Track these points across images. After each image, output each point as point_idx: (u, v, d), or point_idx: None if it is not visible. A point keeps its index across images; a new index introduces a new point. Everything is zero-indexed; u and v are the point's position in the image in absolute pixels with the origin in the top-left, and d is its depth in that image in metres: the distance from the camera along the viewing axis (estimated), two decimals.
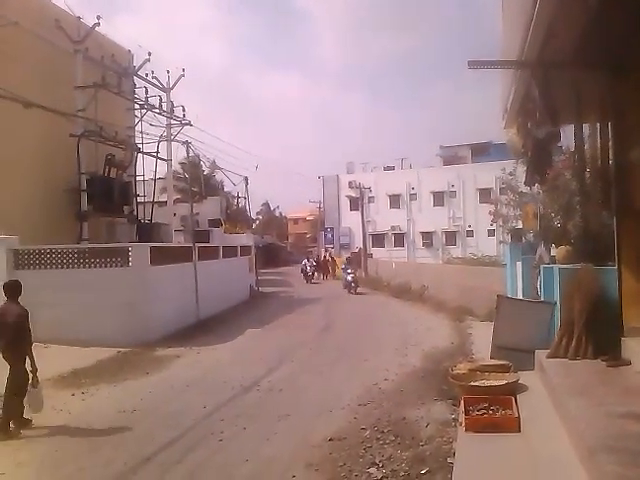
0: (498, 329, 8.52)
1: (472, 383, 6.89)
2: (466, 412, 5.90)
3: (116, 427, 7.22)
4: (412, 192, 52.44)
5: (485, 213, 24.52)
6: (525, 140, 8.24)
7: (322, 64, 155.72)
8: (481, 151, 51.05)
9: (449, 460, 5.42)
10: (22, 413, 7.11)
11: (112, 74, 20.13)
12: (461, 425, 5.84)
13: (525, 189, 14.51)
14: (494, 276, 15.17)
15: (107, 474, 5.68)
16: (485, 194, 44.55)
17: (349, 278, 26.89)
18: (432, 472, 5.32)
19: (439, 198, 51.64)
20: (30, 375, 7.03)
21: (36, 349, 12.02)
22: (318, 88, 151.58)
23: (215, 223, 32.10)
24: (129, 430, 7.09)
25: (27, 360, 7.09)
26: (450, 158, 54.25)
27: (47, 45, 17.66)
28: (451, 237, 50.97)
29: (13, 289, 7.41)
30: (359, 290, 26.71)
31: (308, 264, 35.92)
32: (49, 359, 11.60)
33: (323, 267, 38.97)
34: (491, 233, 45.13)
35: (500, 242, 31.64)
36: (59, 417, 7.71)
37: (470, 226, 49.99)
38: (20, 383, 7.03)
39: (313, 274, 35.68)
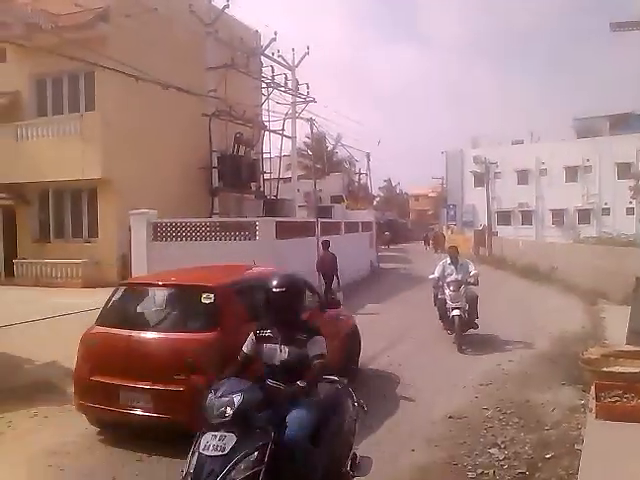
0: (636, 313, 7.98)
1: (605, 369, 6.53)
2: (597, 398, 5.62)
3: None
4: (542, 167, 49.64)
5: (624, 189, 22.73)
6: None
7: (445, 35, 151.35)
8: (620, 122, 47.02)
9: (576, 447, 5.20)
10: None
11: (240, 54, 20.95)
12: (591, 412, 5.57)
13: None
14: (632, 257, 14.09)
15: None
16: (624, 169, 41.47)
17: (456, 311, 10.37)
18: (557, 457, 5.12)
19: (572, 173, 48.44)
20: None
21: None
22: (441, 60, 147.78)
23: (337, 199, 32.47)
24: None
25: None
26: (585, 130, 50.54)
27: (181, 29, 18.70)
28: (585, 215, 47.72)
29: (327, 244, 14.86)
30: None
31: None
32: None
33: (438, 242, 40.01)
34: (630, 211, 42.00)
35: None
36: None
37: (606, 203, 46.49)
38: (328, 286, 14.02)
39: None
